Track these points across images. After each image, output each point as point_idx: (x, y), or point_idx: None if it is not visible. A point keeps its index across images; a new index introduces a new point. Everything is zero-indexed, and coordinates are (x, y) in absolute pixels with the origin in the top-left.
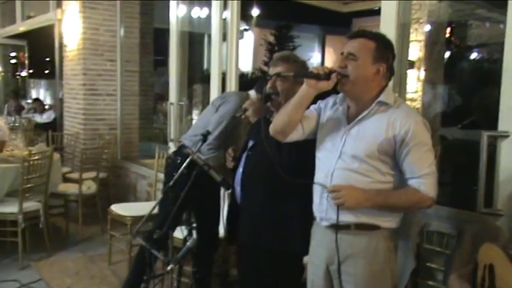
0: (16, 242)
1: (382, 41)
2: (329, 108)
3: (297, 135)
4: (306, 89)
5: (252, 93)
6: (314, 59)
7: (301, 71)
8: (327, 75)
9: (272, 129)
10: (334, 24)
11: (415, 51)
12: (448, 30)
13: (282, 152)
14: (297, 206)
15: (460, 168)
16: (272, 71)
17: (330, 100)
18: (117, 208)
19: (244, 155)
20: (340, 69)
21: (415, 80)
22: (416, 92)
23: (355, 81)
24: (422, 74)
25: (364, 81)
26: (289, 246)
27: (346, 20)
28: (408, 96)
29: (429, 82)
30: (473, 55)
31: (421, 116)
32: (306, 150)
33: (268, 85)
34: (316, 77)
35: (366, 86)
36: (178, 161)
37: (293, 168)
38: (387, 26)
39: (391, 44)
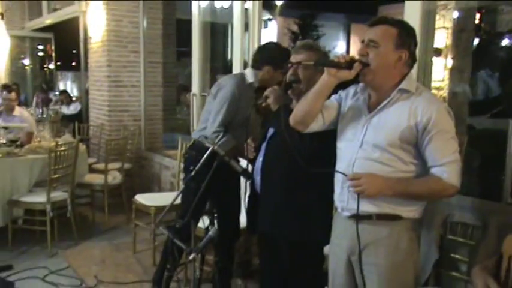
0: (45, 231)
1: (404, 28)
2: (350, 97)
3: (317, 125)
4: (327, 78)
5: (248, 71)
6: (339, 48)
7: (322, 60)
8: (349, 64)
9: (292, 119)
10: (359, 12)
11: (442, 38)
12: (478, 16)
13: (304, 141)
14: (318, 196)
15: (488, 158)
16: (294, 58)
17: (351, 89)
18: (142, 198)
19: (264, 144)
20: (361, 57)
21: (442, 68)
22: (443, 80)
23: (376, 70)
24: (449, 61)
25: (386, 68)
26: (309, 236)
27: (371, 7)
28: (435, 84)
29: (457, 70)
30: (504, 42)
31: (445, 103)
32: (328, 138)
33: (290, 72)
34: (337, 65)
35: (388, 74)
36: (194, 154)
37: (314, 157)
38: (412, 12)
39: (413, 30)
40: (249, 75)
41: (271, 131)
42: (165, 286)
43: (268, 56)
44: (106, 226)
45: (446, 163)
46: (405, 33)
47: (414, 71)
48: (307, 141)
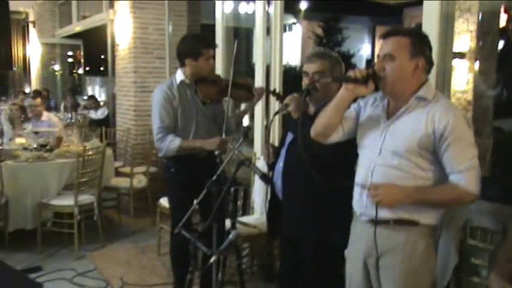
0: (72, 234)
1: (416, 36)
2: (369, 105)
3: (337, 136)
4: (344, 92)
5: (178, 72)
6: (363, 51)
7: (339, 75)
8: (365, 79)
9: (313, 131)
10: (384, 14)
11: (466, 41)
12: (505, 18)
13: (327, 147)
14: (339, 200)
15: None
16: (307, 67)
17: (371, 98)
18: (166, 201)
19: (284, 150)
20: (378, 71)
21: (465, 71)
22: (467, 83)
23: (394, 81)
24: (474, 65)
25: (404, 79)
26: (331, 238)
27: (396, 10)
28: (459, 88)
29: (481, 73)
30: None
31: (462, 110)
32: (350, 144)
33: (306, 82)
34: (355, 81)
35: (406, 83)
36: (166, 162)
37: (336, 163)
38: (430, 17)
39: (426, 37)
40: (178, 75)
41: (290, 136)
42: None
43: (182, 50)
44: (132, 229)
45: (463, 170)
46: (418, 41)
47: (433, 77)
48: (331, 148)
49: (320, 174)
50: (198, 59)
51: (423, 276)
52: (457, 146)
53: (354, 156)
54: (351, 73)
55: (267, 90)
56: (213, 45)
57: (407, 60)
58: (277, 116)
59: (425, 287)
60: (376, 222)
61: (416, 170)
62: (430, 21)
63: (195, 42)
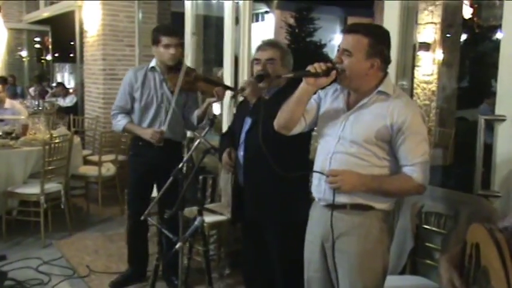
0: (39, 222)
1: (375, 36)
2: (329, 96)
3: (300, 128)
4: (305, 87)
5: (153, 59)
6: (335, 41)
7: (301, 71)
8: (326, 72)
9: (276, 124)
10: (355, 5)
11: (431, 33)
12: (470, 11)
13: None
14: (301, 183)
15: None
16: (260, 55)
17: (331, 89)
18: None
19: (242, 136)
20: (337, 64)
21: (430, 63)
22: (431, 74)
23: (351, 76)
24: (438, 56)
25: (359, 75)
26: (295, 219)
27: (367, 1)
28: (424, 78)
29: (445, 64)
30: (498, 35)
31: (420, 108)
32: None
33: (259, 68)
34: (316, 75)
35: (363, 79)
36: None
37: (292, 141)
38: (391, 10)
39: (385, 36)
40: (152, 61)
41: (248, 121)
42: (153, 275)
43: (151, 38)
44: (100, 217)
45: (416, 163)
46: (377, 42)
47: (393, 68)
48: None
49: (278, 153)
50: (158, 46)
51: (376, 258)
52: (412, 140)
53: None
54: (310, 68)
55: (225, 87)
56: (174, 34)
57: (363, 60)
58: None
59: (378, 268)
60: (333, 206)
61: (372, 158)
62: (391, 13)
63: (156, 30)
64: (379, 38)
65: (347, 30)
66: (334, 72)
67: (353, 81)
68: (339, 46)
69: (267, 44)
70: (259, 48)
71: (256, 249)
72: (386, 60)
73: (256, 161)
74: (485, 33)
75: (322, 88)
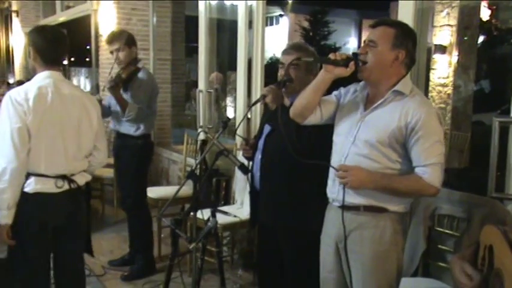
0: None
1: (402, 28)
2: (350, 94)
3: (315, 118)
4: (324, 73)
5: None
6: (350, 44)
7: (320, 57)
8: (345, 61)
9: (292, 111)
10: (370, 8)
11: (447, 36)
12: (488, 12)
13: (302, 135)
14: (316, 189)
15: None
16: (283, 59)
17: (352, 87)
18: (150, 191)
19: (261, 142)
20: (361, 55)
21: (446, 65)
22: (447, 77)
23: (373, 68)
24: (454, 59)
25: (382, 67)
26: (308, 226)
27: (383, 3)
28: (440, 81)
29: (461, 67)
30: None
31: (436, 108)
32: (325, 134)
33: (282, 73)
34: (334, 63)
35: (385, 73)
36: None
37: (312, 151)
38: (405, 11)
39: (412, 32)
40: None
41: (267, 128)
42: (167, 275)
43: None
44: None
45: (429, 164)
46: (403, 34)
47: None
48: (306, 135)
49: (297, 162)
50: (131, 47)
51: (390, 261)
52: (426, 141)
53: (330, 145)
54: (331, 55)
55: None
56: (111, 42)
57: (388, 50)
58: (258, 108)
59: (392, 271)
60: (343, 205)
61: (385, 160)
62: (405, 15)
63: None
64: (405, 31)
65: (374, 24)
66: (352, 63)
67: (373, 73)
68: (364, 40)
69: (292, 47)
70: (284, 52)
71: (270, 252)
72: (412, 56)
73: (273, 167)
74: (504, 36)
75: (343, 85)
